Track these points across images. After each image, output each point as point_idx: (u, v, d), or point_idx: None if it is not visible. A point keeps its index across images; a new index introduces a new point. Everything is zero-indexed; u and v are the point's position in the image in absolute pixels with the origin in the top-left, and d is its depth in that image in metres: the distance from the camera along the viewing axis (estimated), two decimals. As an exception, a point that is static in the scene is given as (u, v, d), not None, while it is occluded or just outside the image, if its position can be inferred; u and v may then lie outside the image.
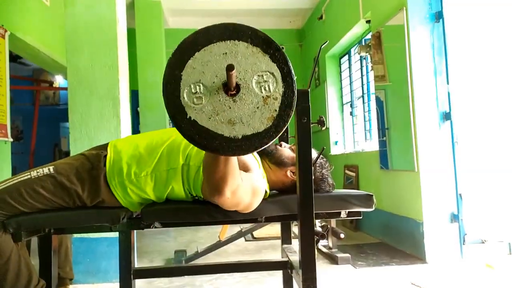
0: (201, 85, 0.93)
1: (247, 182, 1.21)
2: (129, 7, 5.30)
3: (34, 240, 1.51)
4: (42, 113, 7.06)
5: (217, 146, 0.91)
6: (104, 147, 1.44)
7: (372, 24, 3.62)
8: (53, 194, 1.31)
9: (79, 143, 2.53)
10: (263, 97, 0.93)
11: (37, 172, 1.33)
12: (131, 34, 5.20)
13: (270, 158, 1.49)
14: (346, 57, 4.92)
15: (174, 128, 1.48)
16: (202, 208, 1.36)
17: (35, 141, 6.44)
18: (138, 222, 1.45)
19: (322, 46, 1.32)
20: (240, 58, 0.94)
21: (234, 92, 0.91)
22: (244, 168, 1.32)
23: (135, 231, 2.77)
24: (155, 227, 1.44)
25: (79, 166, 1.37)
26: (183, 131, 0.92)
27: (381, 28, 3.42)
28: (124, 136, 2.62)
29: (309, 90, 1.30)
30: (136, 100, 5.46)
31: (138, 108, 5.38)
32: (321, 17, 5.24)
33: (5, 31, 3.20)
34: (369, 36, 3.95)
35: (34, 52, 3.90)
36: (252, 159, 1.40)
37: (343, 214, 1.49)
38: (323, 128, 1.34)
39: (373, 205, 1.47)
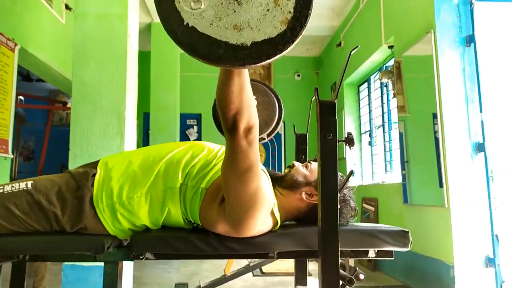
0: None
1: (256, 177, 1.03)
2: (145, 29, 5.30)
3: (8, 267, 1.31)
4: (55, 134, 7.00)
5: (222, 55, 0.74)
6: (94, 164, 1.24)
7: (396, 49, 3.45)
8: (26, 215, 1.11)
9: (79, 160, 2.36)
10: None
11: (12, 187, 1.13)
12: (147, 57, 5.18)
13: (280, 182, 1.26)
14: (365, 84, 4.74)
15: (175, 143, 1.29)
16: (203, 238, 1.14)
17: (44, 161, 6.33)
18: (127, 251, 1.23)
19: (352, 52, 1.12)
20: None
21: None
22: None
23: (131, 262, 2.55)
24: (147, 259, 1.21)
25: (63, 185, 1.16)
26: (180, 39, 0.74)
27: (400, 58, 3.26)
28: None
29: (335, 102, 1.10)
30: (147, 123, 5.37)
31: (149, 131, 5.27)
32: (339, 44, 5.12)
33: (15, 44, 3.13)
34: (391, 62, 3.78)
35: (45, 69, 3.82)
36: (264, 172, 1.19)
37: (372, 253, 1.24)
38: (351, 148, 1.13)
39: (409, 244, 1.22)
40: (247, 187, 1.03)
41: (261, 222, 1.10)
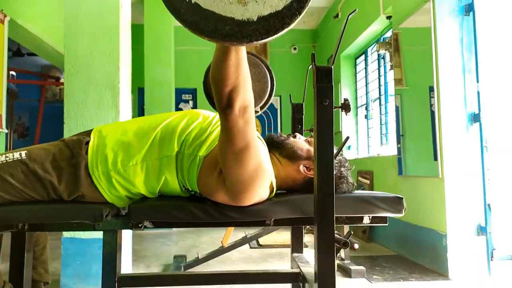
0: None
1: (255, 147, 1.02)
2: (138, 1, 5.16)
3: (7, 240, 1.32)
4: (49, 110, 6.95)
5: (229, 32, 0.71)
6: (88, 133, 1.24)
7: (394, 20, 3.39)
8: (23, 184, 1.11)
9: (74, 133, 2.33)
10: None
11: (6, 157, 1.13)
12: (140, 30, 5.06)
13: (281, 151, 1.26)
14: (362, 57, 4.69)
15: (170, 112, 1.28)
16: (200, 206, 1.15)
17: (40, 137, 6.31)
18: (125, 220, 1.24)
19: (350, 16, 1.10)
20: None
21: None
22: None
23: (130, 231, 2.58)
24: (146, 227, 1.23)
25: (57, 153, 1.16)
26: (183, 17, 0.72)
27: (398, 30, 3.22)
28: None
29: (332, 67, 1.09)
30: (142, 98, 5.31)
31: (144, 106, 5.22)
32: (336, 16, 5.03)
33: (5, 16, 3.04)
34: (389, 33, 3.73)
35: (36, 42, 3.74)
36: (262, 144, 1.19)
37: (366, 219, 1.26)
38: (347, 114, 1.12)
39: (403, 210, 1.24)
40: (246, 166, 1.01)
41: (260, 193, 1.10)
